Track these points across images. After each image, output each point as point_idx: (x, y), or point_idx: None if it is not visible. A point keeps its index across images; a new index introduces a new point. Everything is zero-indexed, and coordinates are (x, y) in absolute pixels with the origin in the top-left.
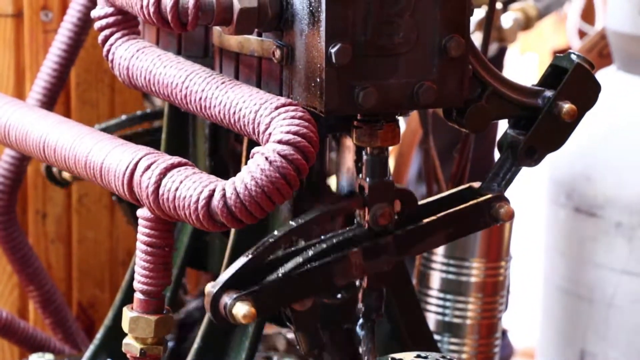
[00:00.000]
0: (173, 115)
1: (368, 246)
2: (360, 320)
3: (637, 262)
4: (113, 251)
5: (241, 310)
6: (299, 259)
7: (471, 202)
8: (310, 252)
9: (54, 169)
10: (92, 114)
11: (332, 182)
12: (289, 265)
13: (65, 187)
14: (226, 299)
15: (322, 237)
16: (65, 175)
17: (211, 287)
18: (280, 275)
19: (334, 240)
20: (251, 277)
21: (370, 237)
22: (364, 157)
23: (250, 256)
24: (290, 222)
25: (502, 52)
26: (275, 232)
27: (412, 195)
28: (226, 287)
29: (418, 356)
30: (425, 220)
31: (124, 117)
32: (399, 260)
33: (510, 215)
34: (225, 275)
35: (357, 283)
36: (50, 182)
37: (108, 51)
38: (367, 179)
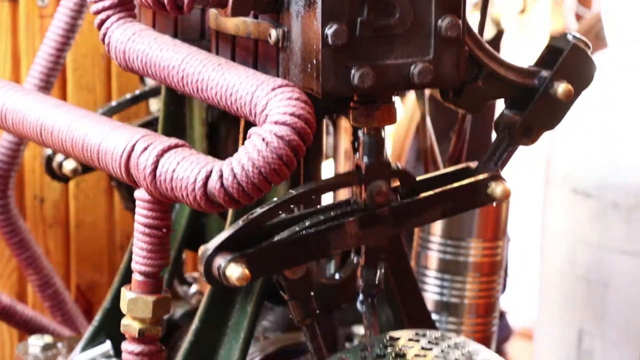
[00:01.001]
0: (170, 98)
1: (364, 216)
2: (360, 297)
3: (634, 242)
4: (111, 235)
5: (235, 271)
6: (295, 226)
7: (468, 180)
8: (307, 220)
9: (54, 164)
10: (88, 99)
11: (330, 165)
12: (285, 231)
13: (65, 182)
14: (220, 260)
15: (319, 207)
16: (65, 170)
17: (205, 249)
18: (276, 239)
19: (331, 210)
20: (247, 240)
21: (366, 208)
22: (361, 137)
23: (247, 221)
24: (290, 191)
25: (498, 34)
26: (275, 199)
27: (409, 175)
28: (221, 249)
29: (417, 334)
30: (422, 195)
31: (114, 102)
32: (394, 233)
33: (507, 195)
34: (220, 237)
35: (355, 260)
36: (50, 177)
37: (104, 35)
38: (364, 158)
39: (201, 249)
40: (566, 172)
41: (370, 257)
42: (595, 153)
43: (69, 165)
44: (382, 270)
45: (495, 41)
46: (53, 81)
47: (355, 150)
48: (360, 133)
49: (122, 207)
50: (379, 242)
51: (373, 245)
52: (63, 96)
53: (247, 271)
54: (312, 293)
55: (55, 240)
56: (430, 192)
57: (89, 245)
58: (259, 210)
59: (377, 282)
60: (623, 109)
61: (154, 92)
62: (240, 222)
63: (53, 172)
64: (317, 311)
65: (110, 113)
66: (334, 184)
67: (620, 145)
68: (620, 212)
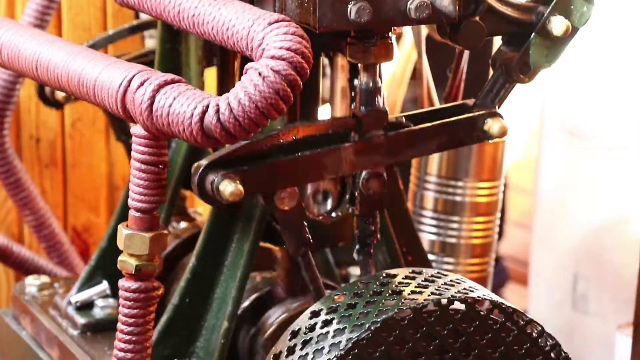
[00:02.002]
0: (166, 35)
1: (360, 143)
2: (357, 246)
3: (629, 184)
4: (107, 176)
5: (229, 187)
6: (290, 148)
7: (465, 115)
8: (303, 144)
9: (47, 90)
10: (83, 38)
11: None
12: (280, 152)
13: (58, 108)
14: (214, 176)
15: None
16: (58, 96)
17: (199, 164)
18: (271, 159)
19: (328, 135)
20: (241, 159)
21: (362, 134)
22: (357, 85)
23: (243, 142)
24: (291, 124)
25: None
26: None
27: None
28: (215, 165)
29: (413, 271)
30: (418, 126)
31: (111, 31)
32: (389, 162)
33: (504, 132)
34: (215, 154)
35: (350, 210)
36: (43, 103)
37: None
38: (361, 108)
39: (194, 165)
40: (562, 115)
41: (365, 207)
42: (592, 95)
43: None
44: (378, 219)
45: None
46: (48, 19)
47: (352, 99)
48: (356, 82)
49: (118, 147)
50: (372, 168)
51: (368, 195)
52: (58, 35)
53: (240, 187)
54: (305, 223)
55: (52, 180)
56: (427, 124)
57: (85, 185)
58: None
59: (372, 231)
60: (621, 52)
61: (152, 24)
62: (237, 144)
63: (46, 97)
64: (311, 241)
65: (107, 42)
66: (332, 124)
67: (616, 88)
68: (616, 155)
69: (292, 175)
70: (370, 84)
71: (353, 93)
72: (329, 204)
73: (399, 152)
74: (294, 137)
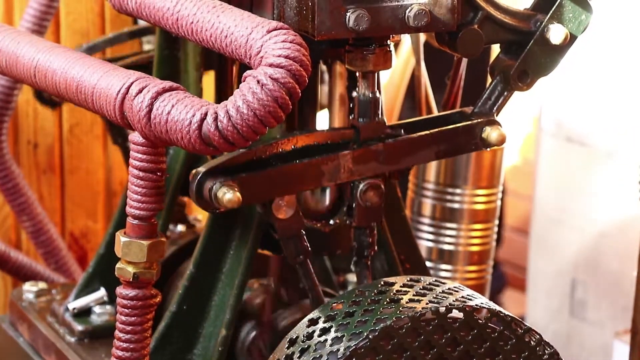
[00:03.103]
0: (164, 42)
1: (358, 150)
2: (354, 258)
3: (628, 190)
4: (105, 182)
5: (227, 194)
6: (288, 156)
7: (463, 123)
8: (301, 152)
9: None
10: (82, 43)
11: (325, 116)
12: (279, 160)
13: (55, 108)
14: (211, 183)
15: (315, 142)
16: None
17: (197, 171)
18: (269, 167)
19: (326, 143)
20: (239, 167)
21: (361, 142)
22: (356, 96)
23: (240, 151)
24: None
25: None
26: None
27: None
28: (213, 172)
29: (411, 279)
30: (417, 134)
31: (111, 35)
32: (388, 170)
33: (502, 140)
34: (213, 161)
35: (348, 222)
36: (39, 102)
37: None
38: (359, 119)
39: (192, 172)
40: (560, 120)
41: (363, 219)
42: (589, 102)
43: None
44: (375, 231)
45: None
46: (47, 25)
47: (351, 110)
48: (354, 93)
49: (116, 153)
50: (372, 176)
51: (366, 207)
52: (56, 40)
53: (238, 194)
54: (303, 232)
55: (49, 186)
56: (425, 132)
57: (83, 191)
58: (254, 145)
59: (370, 243)
60: (618, 57)
61: (151, 30)
62: (235, 152)
63: (42, 97)
64: (310, 249)
65: (106, 45)
66: (330, 135)
67: (613, 93)
68: (615, 161)
69: (290, 183)
70: (369, 94)
71: (352, 103)
72: (327, 198)
73: (397, 160)
74: (292, 146)
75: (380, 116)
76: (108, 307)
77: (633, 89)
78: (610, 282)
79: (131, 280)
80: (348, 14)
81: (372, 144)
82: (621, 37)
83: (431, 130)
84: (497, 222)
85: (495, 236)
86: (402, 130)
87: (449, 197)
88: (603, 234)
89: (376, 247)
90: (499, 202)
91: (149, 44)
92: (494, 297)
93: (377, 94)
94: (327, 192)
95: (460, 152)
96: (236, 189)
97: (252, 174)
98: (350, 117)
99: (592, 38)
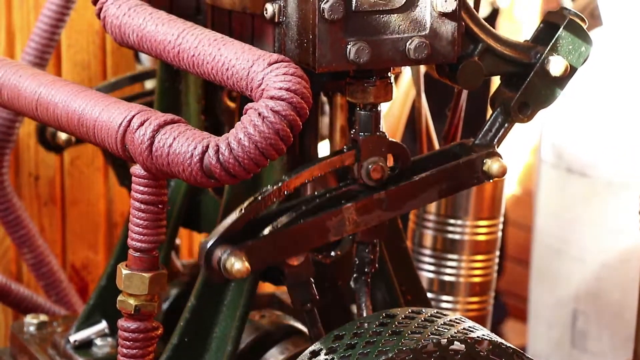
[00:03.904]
0: (165, 74)
1: (361, 201)
2: (355, 274)
3: (628, 221)
4: (106, 213)
5: (235, 264)
6: (292, 214)
7: (464, 159)
8: (304, 207)
9: (48, 134)
10: (83, 76)
11: (326, 146)
12: (283, 219)
13: (58, 152)
14: (220, 253)
15: (316, 193)
16: (59, 140)
17: (205, 242)
18: (274, 229)
19: (328, 196)
20: (245, 231)
21: (363, 193)
22: (357, 113)
23: (243, 211)
24: (283, 177)
25: (494, 12)
26: (268, 187)
27: (404, 149)
28: (220, 242)
29: (412, 311)
30: (418, 176)
31: (113, 80)
32: (392, 216)
33: (503, 172)
34: (219, 229)
35: (350, 237)
36: (43, 147)
37: (100, 9)
38: (360, 134)
39: (201, 242)
40: (560, 151)
41: (364, 234)
42: (590, 132)
43: (62, 135)
44: (377, 247)
45: (491, 19)
46: (48, 58)
47: (351, 127)
48: (356, 109)
49: (117, 185)
50: (377, 225)
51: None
52: (58, 73)
53: (247, 264)
54: (312, 280)
55: (50, 218)
56: (427, 173)
57: (84, 223)
58: (257, 198)
59: (371, 260)
60: (617, 88)
61: (153, 74)
62: (236, 213)
63: (46, 142)
64: (317, 297)
65: (108, 90)
66: (329, 163)
67: (614, 124)
68: (615, 191)
69: (296, 244)
70: (370, 111)
71: (352, 118)
72: None
73: (401, 206)
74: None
75: (381, 131)
76: (109, 339)
77: (633, 119)
78: (612, 313)
79: (133, 312)
80: (349, 46)
81: (374, 193)
82: (620, 68)
83: (432, 171)
84: (498, 252)
85: (496, 267)
86: (405, 169)
87: (450, 228)
88: (604, 265)
89: (378, 275)
90: (500, 233)
91: (150, 82)
92: (495, 328)
93: (378, 109)
94: None
95: (462, 187)
96: (244, 258)
97: (258, 240)
98: (351, 133)
99: (592, 69)
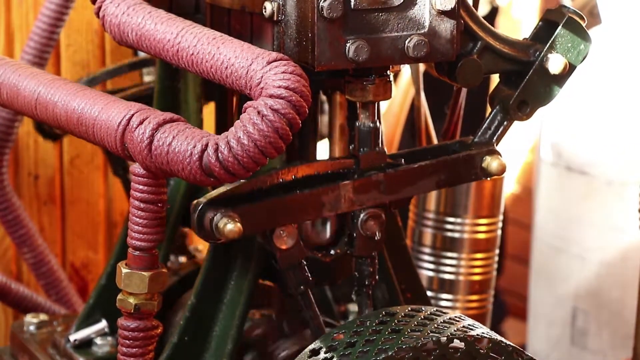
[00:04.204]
0: (164, 73)
1: (359, 180)
2: (355, 287)
3: (628, 219)
4: (106, 212)
5: (228, 225)
6: (289, 185)
7: (464, 153)
8: (301, 182)
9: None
10: (82, 75)
11: (325, 145)
12: (279, 190)
13: (56, 140)
14: (212, 214)
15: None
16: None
17: (198, 202)
18: (269, 197)
19: (326, 173)
20: (240, 197)
21: (361, 173)
22: (357, 126)
23: (241, 181)
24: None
25: (493, 10)
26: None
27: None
28: (214, 203)
29: (412, 309)
30: (417, 164)
31: (111, 67)
32: (388, 199)
33: (503, 169)
34: (215, 192)
35: (348, 252)
36: (41, 135)
37: (99, 9)
38: (360, 149)
39: (193, 202)
40: (560, 149)
41: (363, 248)
42: (589, 131)
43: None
44: (376, 260)
45: (490, 17)
46: (47, 57)
47: (351, 140)
48: (356, 123)
49: (117, 184)
50: (373, 206)
51: (366, 236)
52: (57, 72)
53: (239, 225)
54: (304, 262)
55: (50, 217)
56: (426, 162)
57: (84, 222)
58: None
59: (371, 272)
60: (617, 86)
61: (151, 61)
62: (236, 183)
63: (43, 130)
64: (311, 278)
65: (106, 77)
66: (330, 165)
67: (613, 122)
68: (615, 189)
69: (290, 213)
70: (369, 124)
71: (352, 133)
72: (328, 229)
73: (398, 190)
74: (293, 177)
75: (380, 146)
76: (109, 338)
77: (632, 118)
78: (611, 311)
79: (132, 311)
80: (348, 44)
81: (373, 174)
82: (620, 65)
83: (432, 160)
84: (497, 251)
85: (496, 265)
86: (403, 160)
87: (449, 226)
88: (603, 263)
89: (377, 277)
90: (499, 231)
91: (149, 76)
92: (494, 326)
93: (378, 123)
94: (328, 223)
95: (460, 181)
96: (237, 220)
97: (253, 205)
98: (351, 147)
99: (591, 67)
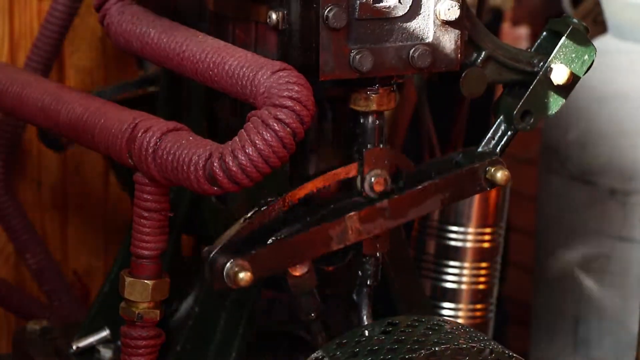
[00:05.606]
0: (168, 81)
1: (364, 210)
2: (357, 287)
3: (631, 228)
4: (108, 219)
5: (239, 273)
6: (296, 223)
7: (467, 167)
8: (308, 217)
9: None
10: (86, 82)
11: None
12: (286, 229)
13: (59, 151)
14: (223, 262)
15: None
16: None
17: (208, 250)
18: (277, 238)
19: (331, 205)
20: (249, 240)
21: (366, 202)
22: (360, 123)
23: (247, 220)
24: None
25: (497, 19)
26: (272, 198)
27: (407, 161)
28: (223, 251)
29: (415, 319)
30: (421, 185)
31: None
32: (395, 225)
33: (507, 179)
34: (222, 238)
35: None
36: (44, 145)
37: (103, 17)
38: (363, 146)
39: (204, 252)
40: (563, 158)
41: (366, 248)
42: (593, 139)
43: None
44: (379, 260)
45: (494, 26)
46: (51, 64)
47: (354, 137)
48: (360, 120)
49: (119, 191)
50: (379, 233)
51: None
52: (61, 79)
53: (250, 274)
54: (315, 290)
55: (53, 224)
56: (429, 182)
57: (87, 229)
58: (260, 208)
59: (373, 272)
60: (620, 95)
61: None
62: (240, 223)
63: (46, 139)
64: (321, 306)
65: (112, 94)
66: (334, 174)
67: (617, 131)
68: (618, 198)
69: (299, 254)
70: (373, 123)
71: (356, 130)
72: None
73: (404, 214)
74: (298, 200)
75: (384, 143)
76: (112, 345)
77: (636, 126)
78: (614, 320)
79: (135, 319)
80: (352, 54)
81: (377, 202)
82: (625, 74)
83: (435, 180)
84: (500, 259)
85: (498, 274)
86: (408, 179)
87: (452, 235)
88: (606, 272)
89: (380, 282)
90: (502, 240)
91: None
92: (496, 334)
93: (382, 121)
94: None
95: (465, 195)
96: (247, 268)
97: (261, 249)
98: (355, 145)
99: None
